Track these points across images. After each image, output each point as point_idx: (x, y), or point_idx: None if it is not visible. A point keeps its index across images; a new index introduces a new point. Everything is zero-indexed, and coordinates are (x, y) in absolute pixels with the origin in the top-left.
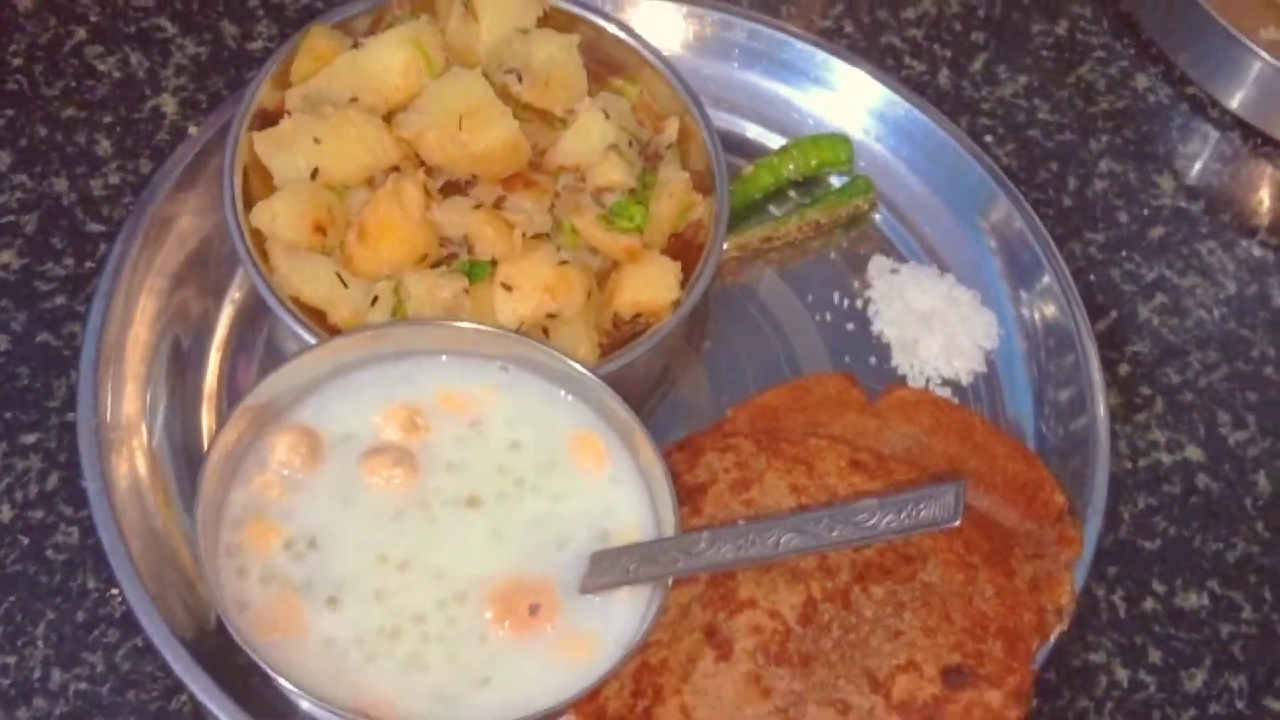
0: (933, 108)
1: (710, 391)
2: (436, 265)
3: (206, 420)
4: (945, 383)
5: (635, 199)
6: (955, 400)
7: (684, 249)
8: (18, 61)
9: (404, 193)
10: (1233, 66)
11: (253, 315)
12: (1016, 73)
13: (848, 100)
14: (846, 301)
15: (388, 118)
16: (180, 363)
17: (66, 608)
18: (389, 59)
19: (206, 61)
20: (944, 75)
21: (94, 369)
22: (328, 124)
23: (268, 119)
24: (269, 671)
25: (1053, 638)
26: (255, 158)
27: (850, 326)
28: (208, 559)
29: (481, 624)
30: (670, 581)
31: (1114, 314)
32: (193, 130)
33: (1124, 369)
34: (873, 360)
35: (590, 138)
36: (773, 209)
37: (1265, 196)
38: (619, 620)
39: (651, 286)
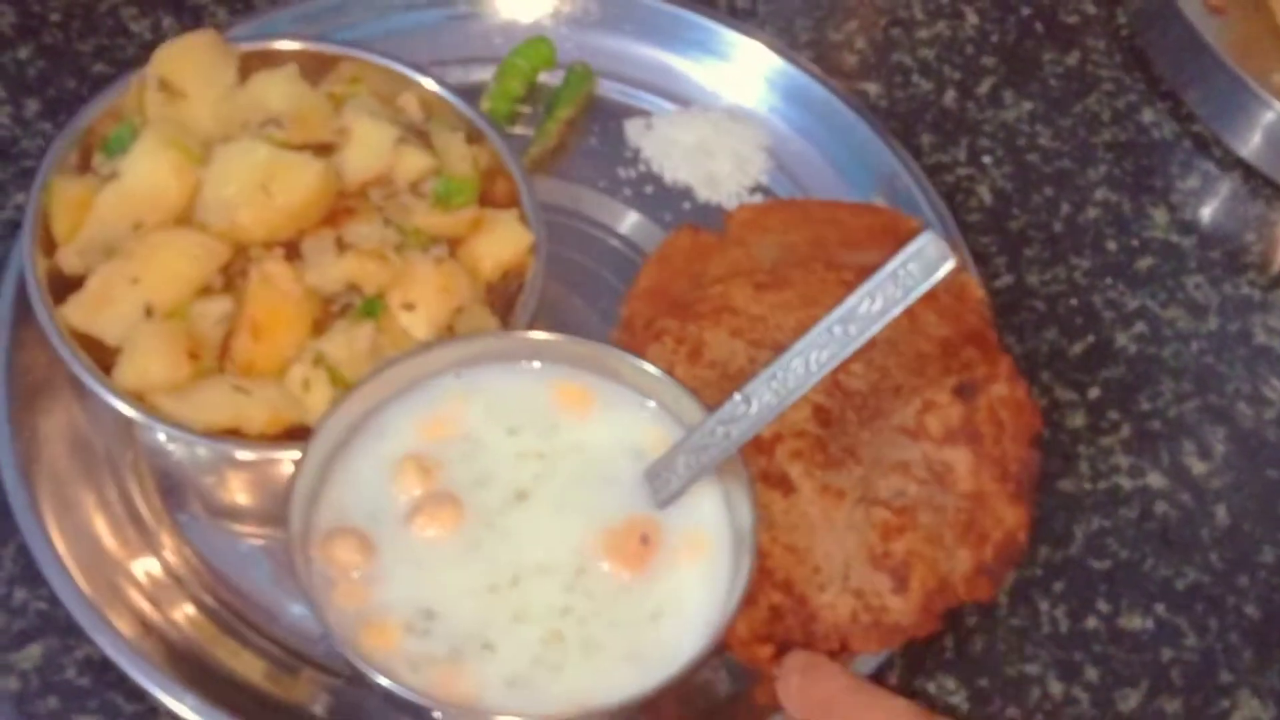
0: (831, 81)
1: (585, 304)
2: (325, 326)
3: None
4: (754, 190)
5: (448, 175)
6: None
7: (492, 197)
8: (55, 17)
9: (274, 275)
10: (1240, 109)
11: None
12: (1022, 99)
13: (747, 73)
14: (632, 171)
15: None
16: None
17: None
18: (156, 170)
19: None
20: (950, 96)
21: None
22: (137, 260)
23: (57, 289)
24: None
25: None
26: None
27: (649, 189)
28: (395, 679)
29: (613, 580)
30: (738, 452)
31: (1091, 338)
32: None
33: (1094, 392)
34: (686, 206)
35: (374, 144)
36: (521, 130)
37: (1259, 237)
38: (712, 505)
39: (505, 242)
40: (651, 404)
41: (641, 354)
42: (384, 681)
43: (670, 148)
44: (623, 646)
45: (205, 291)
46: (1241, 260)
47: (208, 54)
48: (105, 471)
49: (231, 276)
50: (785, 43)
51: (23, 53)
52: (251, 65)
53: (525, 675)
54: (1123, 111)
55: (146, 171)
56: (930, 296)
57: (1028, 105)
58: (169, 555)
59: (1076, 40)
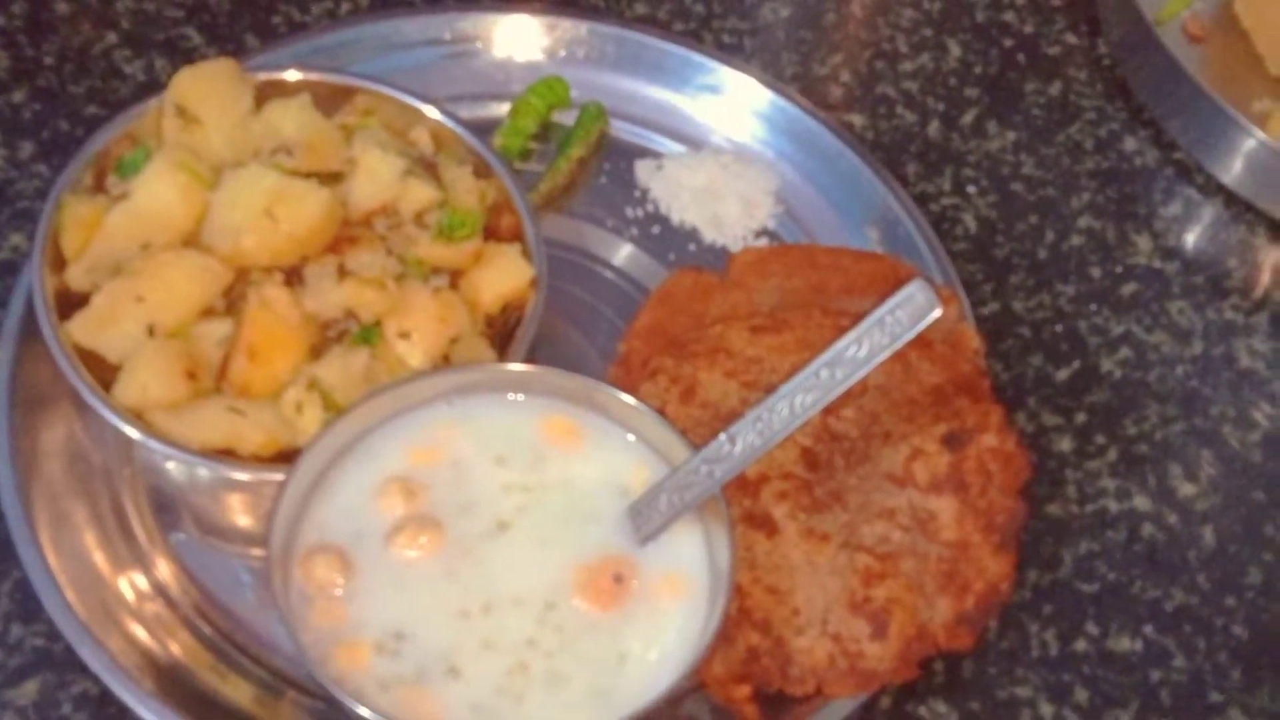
0: (820, 112)
1: (584, 339)
2: (322, 351)
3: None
4: (760, 233)
5: (452, 207)
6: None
7: (498, 231)
8: (49, 60)
9: (273, 300)
10: (1221, 137)
11: None
12: (1006, 129)
13: (756, 116)
14: (640, 211)
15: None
16: None
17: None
18: (163, 192)
19: None
20: (934, 127)
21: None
22: (143, 279)
23: (63, 306)
24: None
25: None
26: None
27: (656, 229)
28: (364, 699)
29: (583, 616)
30: (720, 491)
31: (1077, 363)
32: None
33: (1080, 417)
34: (691, 247)
35: (381, 174)
36: (534, 167)
37: (1241, 262)
38: (692, 546)
39: (506, 276)
40: (639, 441)
41: (635, 391)
42: (349, 703)
43: (679, 189)
44: (588, 682)
45: (208, 313)
46: (1224, 285)
47: (225, 82)
48: (101, 487)
49: (234, 299)
50: (771, 76)
51: (17, 96)
52: (267, 94)
53: (489, 703)
54: (1105, 140)
55: (156, 193)
56: (925, 344)
57: (1011, 135)
58: (161, 575)
59: (1058, 71)
